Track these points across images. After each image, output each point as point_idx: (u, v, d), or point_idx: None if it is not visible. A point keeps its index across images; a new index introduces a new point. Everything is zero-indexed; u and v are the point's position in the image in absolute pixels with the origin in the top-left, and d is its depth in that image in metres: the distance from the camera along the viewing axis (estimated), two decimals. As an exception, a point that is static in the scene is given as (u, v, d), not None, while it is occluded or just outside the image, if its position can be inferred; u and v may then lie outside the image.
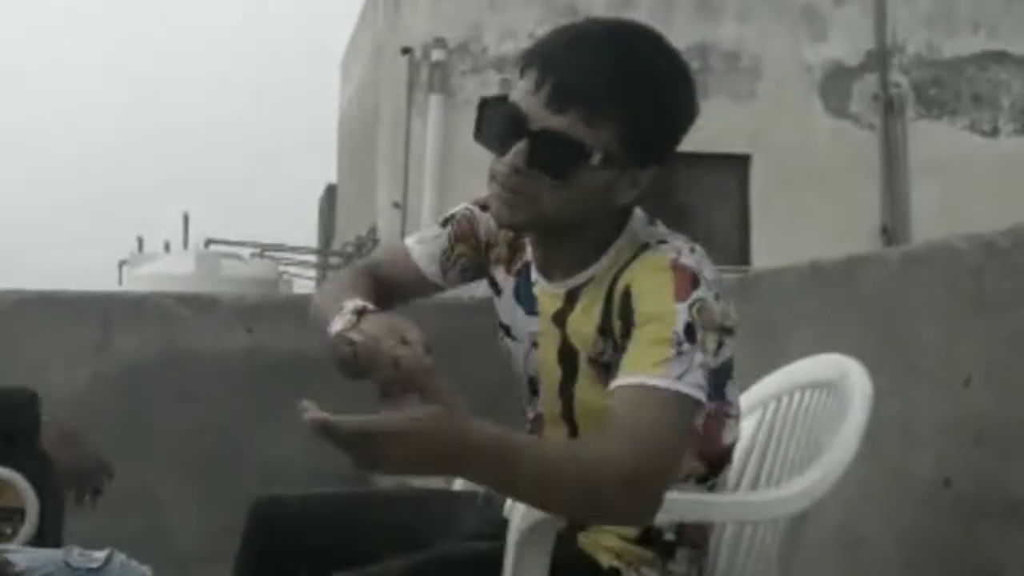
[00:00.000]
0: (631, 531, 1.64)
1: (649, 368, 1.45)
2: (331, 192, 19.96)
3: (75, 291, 4.25)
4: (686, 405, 1.45)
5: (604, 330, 1.58)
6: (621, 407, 1.44)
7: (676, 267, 1.54)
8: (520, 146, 1.51)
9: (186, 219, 16.48)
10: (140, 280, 13.18)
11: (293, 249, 17.01)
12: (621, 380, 1.46)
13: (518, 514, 1.55)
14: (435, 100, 11.28)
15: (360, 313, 1.57)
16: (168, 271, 13.41)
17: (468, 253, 1.80)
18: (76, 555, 1.87)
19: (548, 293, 1.67)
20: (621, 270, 1.58)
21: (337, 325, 1.57)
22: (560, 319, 1.64)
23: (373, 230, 14.11)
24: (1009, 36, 12.50)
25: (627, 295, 1.54)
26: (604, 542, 1.65)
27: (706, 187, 11.88)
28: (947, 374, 2.17)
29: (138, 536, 3.58)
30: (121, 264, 15.56)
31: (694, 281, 1.53)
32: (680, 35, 12.09)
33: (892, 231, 11.89)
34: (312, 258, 17.70)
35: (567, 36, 1.56)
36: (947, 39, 12.47)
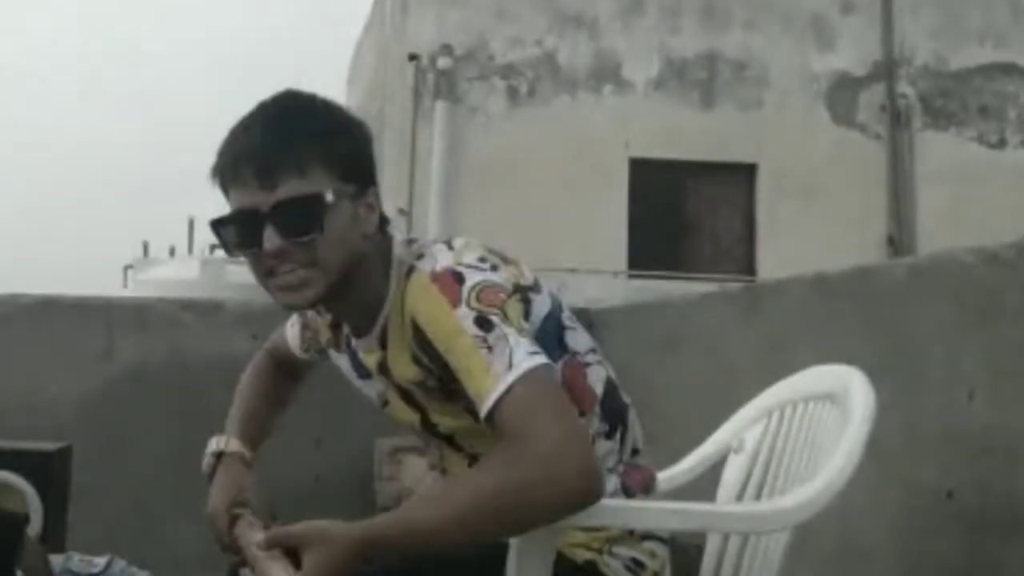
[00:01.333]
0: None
1: (485, 385, 1.47)
2: (337, 198, 19.96)
3: (78, 296, 4.25)
4: (536, 376, 1.46)
5: (418, 360, 1.62)
6: (499, 430, 1.46)
7: (436, 278, 1.57)
8: (268, 231, 1.56)
9: (191, 224, 16.49)
10: (145, 285, 13.19)
11: (298, 255, 16.97)
12: (482, 413, 1.47)
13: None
14: (441, 107, 11.29)
15: (218, 456, 1.84)
16: (173, 276, 13.42)
17: (314, 339, 1.96)
18: (77, 560, 1.87)
19: (366, 350, 1.73)
20: (404, 300, 1.62)
21: (203, 463, 1.84)
22: (383, 368, 1.70)
23: (379, 237, 14.12)
24: (1016, 47, 12.49)
25: (417, 328, 1.58)
26: (571, 540, 1.68)
27: (712, 197, 11.87)
28: (951, 386, 2.17)
29: (139, 542, 3.59)
30: (126, 269, 15.57)
31: (457, 278, 1.56)
32: (687, 44, 12.13)
33: (898, 242, 11.87)
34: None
35: (235, 134, 1.63)
36: (954, 50, 12.47)
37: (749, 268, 11.66)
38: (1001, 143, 12.48)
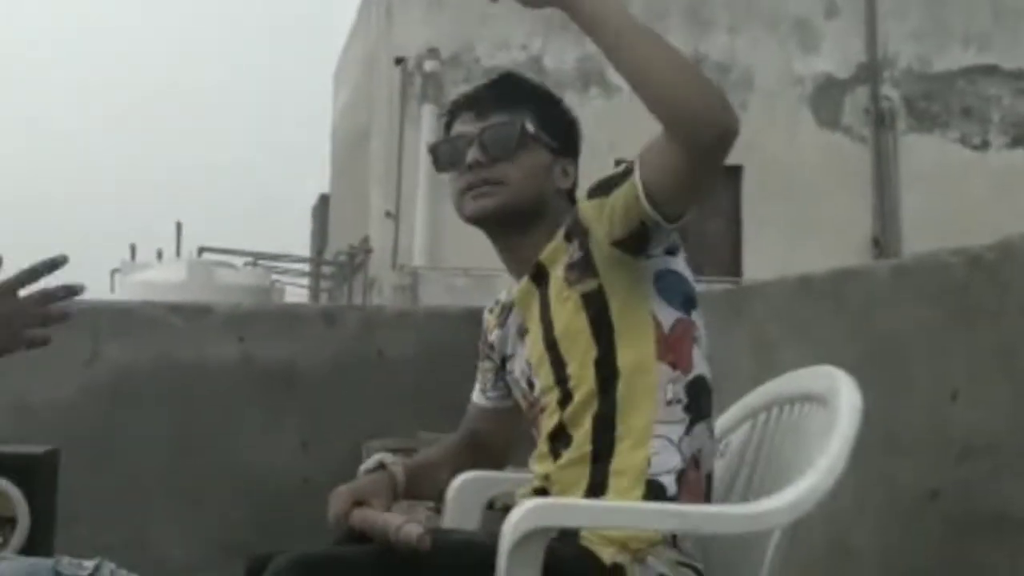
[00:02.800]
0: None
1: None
2: (324, 201, 19.96)
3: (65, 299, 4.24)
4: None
5: (568, 236, 1.81)
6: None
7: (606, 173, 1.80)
8: (472, 149, 1.87)
9: (179, 227, 16.46)
10: (132, 288, 13.16)
11: (286, 258, 17.00)
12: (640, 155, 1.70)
13: (509, 524, 1.55)
14: (428, 110, 11.30)
15: (380, 464, 1.93)
16: (160, 279, 13.38)
17: (488, 367, 2.05)
18: (66, 564, 1.87)
19: (524, 290, 1.88)
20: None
21: (365, 464, 1.96)
22: (539, 275, 1.85)
23: (366, 239, 14.11)
24: (999, 50, 12.56)
25: (576, 217, 1.80)
26: (609, 534, 1.67)
27: (697, 199, 11.90)
28: (935, 387, 2.18)
29: (127, 545, 3.58)
30: (113, 272, 15.53)
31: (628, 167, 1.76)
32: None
33: (883, 243, 11.93)
34: (305, 267, 17.69)
35: (469, 90, 1.99)
36: (938, 53, 12.54)
37: (735, 270, 11.70)
38: (984, 145, 12.56)
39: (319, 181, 20.33)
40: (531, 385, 1.88)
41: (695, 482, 1.75)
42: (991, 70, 12.57)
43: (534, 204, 1.86)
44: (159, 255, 15.78)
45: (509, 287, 1.98)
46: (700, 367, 1.80)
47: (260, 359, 4.13)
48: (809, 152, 11.99)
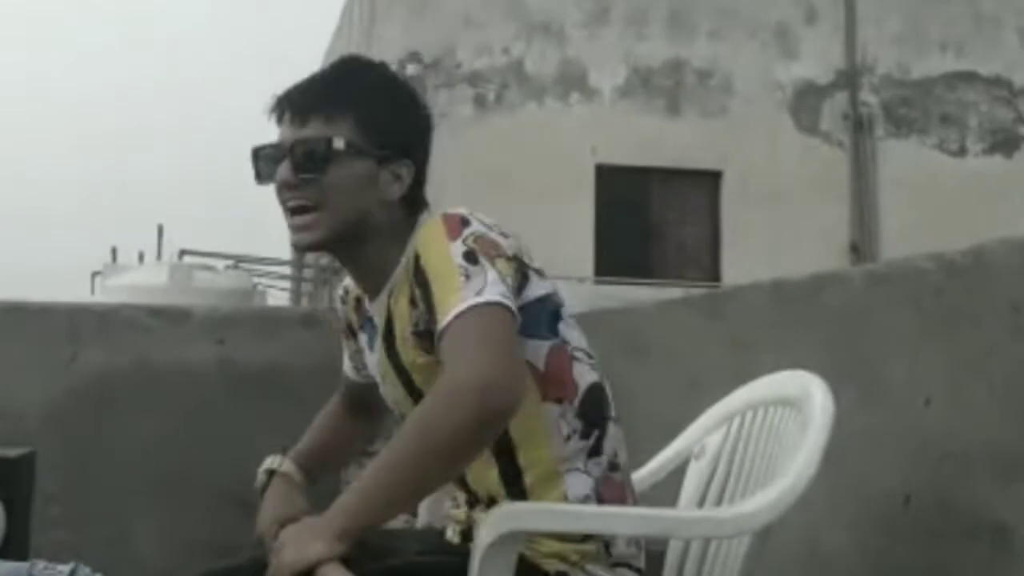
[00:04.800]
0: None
1: (449, 302, 1.55)
2: (304, 204, 19.89)
3: (43, 302, 4.22)
4: (494, 312, 1.54)
5: (413, 300, 1.68)
6: (444, 347, 1.54)
7: (445, 217, 1.68)
8: (283, 165, 1.73)
9: (160, 230, 16.41)
10: (113, 291, 13.11)
11: (267, 261, 16.96)
12: (438, 327, 1.55)
13: (484, 528, 1.56)
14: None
15: (270, 474, 1.97)
16: (141, 282, 13.34)
17: (356, 348, 1.98)
18: (41, 568, 1.87)
19: (377, 311, 1.81)
20: (414, 243, 1.72)
21: (256, 480, 1.99)
22: (388, 324, 1.77)
23: (346, 243, 14.07)
24: (977, 56, 12.65)
25: (417, 262, 1.66)
26: (544, 549, 1.68)
27: (677, 203, 11.94)
28: (909, 392, 2.20)
29: (104, 549, 3.57)
30: (94, 275, 15.46)
31: (463, 221, 1.66)
32: (652, 52, 12.20)
33: (861, 248, 11.99)
34: (286, 270, 17.65)
35: (295, 82, 1.81)
36: (916, 59, 12.62)
37: (714, 274, 11.74)
38: (962, 151, 12.64)
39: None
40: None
41: (616, 487, 1.75)
42: (969, 76, 12.66)
43: (356, 226, 1.73)
44: (140, 258, 15.73)
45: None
46: (584, 379, 1.75)
47: (240, 362, 4.12)
48: (788, 157, 12.05)
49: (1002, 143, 12.68)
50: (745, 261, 11.04)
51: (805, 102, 12.38)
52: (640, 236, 11.63)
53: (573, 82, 11.92)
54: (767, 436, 1.91)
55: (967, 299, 2.10)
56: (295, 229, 1.74)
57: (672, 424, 2.20)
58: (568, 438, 1.70)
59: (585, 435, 1.72)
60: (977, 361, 2.05)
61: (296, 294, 17.48)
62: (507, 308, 1.55)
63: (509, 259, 1.64)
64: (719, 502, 1.93)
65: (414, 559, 1.75)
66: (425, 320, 1.64)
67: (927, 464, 2.14)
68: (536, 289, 1.71)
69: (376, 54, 12.45)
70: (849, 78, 12.46)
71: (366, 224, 1.74)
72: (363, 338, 1.90)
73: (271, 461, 1.96)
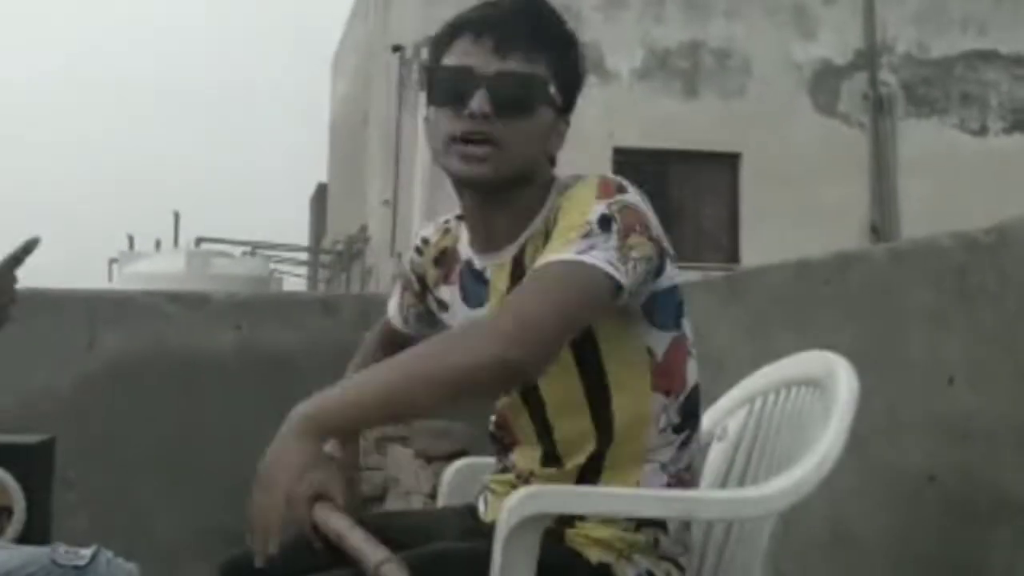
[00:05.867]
0: (621, 519, 1.65)
1: (554, 250, 1.49)
2: (322, 190, 19.95)
3: (61, 289, 4.24)
4: (589, 274, 1.46)
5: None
6: (521, 284, 1.49)
7: (602, 179, 1.60)
8: (480, 94, 1.58)
9: (177, 217, 16.47)
10: (130, 278, 13.16)
11: (284, 247, 17.01)
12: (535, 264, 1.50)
13: (506, 511, 1.55)
14: (425, 98, 11.26)
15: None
16: (158, 269, 13.40)
17: (413, 302, 1.92)
18: (63, 552, 1.87)
19: (497, 266, 1.71)
20: (558, 203, 1.63)
21: None
22: (517, 277, 1.66)
23: (364, 228, 14.10)
24: (998, 35, 12.54)
25: (555, 218, 1.59)
26: (594, 534, 1.65)
27: (696, 185, 11.90)
28: (932, 371, 2.18)
29: (125, 534, 3.59)
30: (111, 262, 15.53)
31: (619, 187, 1.57)
32: (670, 33, 12.13)
33: (881, 229, 11.93)
34: (303, 256, 17.69)
35: (482, 5, 1.69)
36: (936, 38, 12.52)
37: (733, 256, 11.70)
38: (983, 130, 12.54)
39: (317, 170, 20.33)
40: None
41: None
42: (990, 55, 12.56)
43: (526, 173, 1.65)
44: (157, 245, 15.79)
45: (441, 226, 1.85)
46: (692, 378, 1.72)
47: (257, 347, 4.13)
48: (807, 138, 11.98)
49: (1023, 122, 12.58)
50: (764, 243, 10.99)
51: (824, 82, 12.30)
52: (658, 218, 11.59)
53: (590, 65, 11.76)
54: (790, 417, 1.89)
55: (990, 277, 2.08)
56: (468, 159, 1.60)
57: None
58: (663, 430, 1.68)
59: (677, 430, 1.69)
60: (1000, 339, 2.04)
61: (313, 280, 17.52)
62: (609, 277, 1.47)
63: (652, 239, 1.57)
64: (742, 483, 1.92)
65: (456, 544, 1.71)
66: None
67: (951, 443, 2.12)
68: (670, 278, 1.65)
69: (392, 39, 12.42)
70: (868, 58, 12.37)
71: (531, 173, 1.66)
72: (449, 292, 1.81)
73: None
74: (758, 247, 11.18)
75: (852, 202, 11.99)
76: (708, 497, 1.78)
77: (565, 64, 1.66)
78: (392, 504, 4.01)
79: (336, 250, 16.00)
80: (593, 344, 1.62)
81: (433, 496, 2.24)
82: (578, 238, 1.48)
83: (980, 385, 2.08)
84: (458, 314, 1.78)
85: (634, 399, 1.65)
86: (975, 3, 12.52)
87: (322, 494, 1.55)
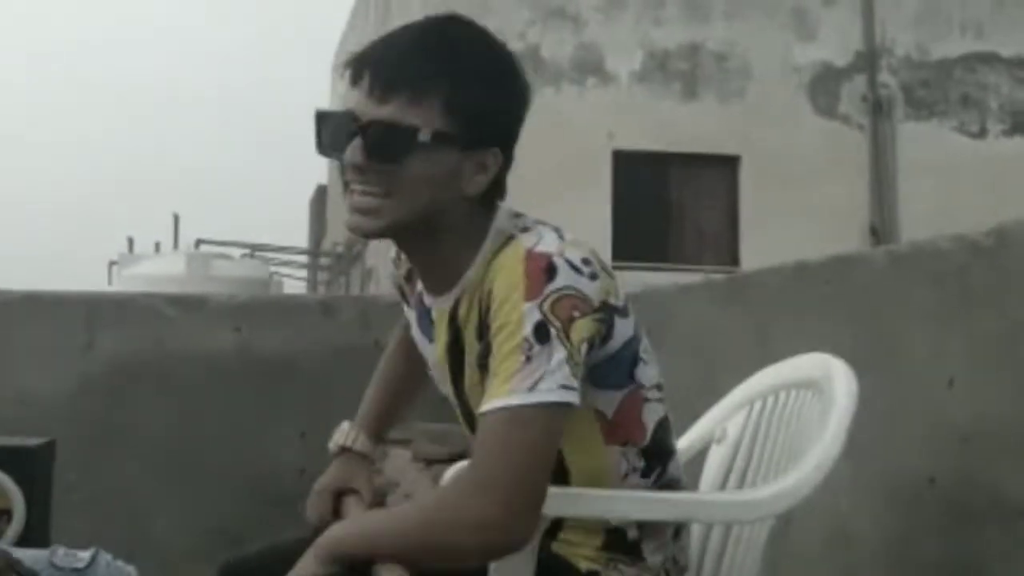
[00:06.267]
0: (598, 540, 1.65)
1: (499, 390, 1.43)
2: (321, 193, 19.95)
3: (60, 291, 4.23)
4: (538, 417, 1.42)
5: (481, 334, 1.55)
6: (478, 439, 1.45)
7: (530, 258, 1.48)
8: (355, 143, 1.51)
9: (176, 219, 16.47)
10: (130, 280, 13.17)
11: (284, 249, 17.02)
12: (481, 408, 1.45)
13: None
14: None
15: (343, 449, 1.88)
16: (158, 271, 13.40)
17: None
18: (62, 555, 1.87)
19: (440, 311, 1.66)
20: (491, 265, 1.54)
21: (330, 445, 1.90)
22: (455, 336, 1.63)
23: (363, 230, 14.07)
24: (997, 38, 12.55)
25: (490, 296, 1.51)
26: (577, 552, 1.66)
27: (696, 187, 11.90)
28: (932, 373, 2.18)
29: (124, 536, 3.58)
30: (111, 264, 15.54)
31: (549, 270, 1.47)
32: (669, 36, 12.14)
33: (881, 231, 11.93)
34: (303, 258, 17.69)
35: (383, 37, 1.58)
36: (936, 41, 12.52)
37: (733, 258, 11.69)
38: (982, 132, 12.55)
39: (317, 172, 20.31)
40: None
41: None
42: (989, 57, 12.56)
43: (427, 220, 1.54)
44: (157, 247, 15.79)
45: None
46: (653, 418, 1.65)
47: (257, 350, 4.12)
48: (807, 141, 11.98)
49: (1023, 124, 12.59)
50: (764, 245, 10.99)
51: (823, 85, 12.30)
52: (658, 221, 11.60)
53: (590, 67, 11.88)
54: (789, 419, 1.89)
55: (989, 280, 2.08)
56: (355, 211, 1.53)
57: (692, 408, 2.19)
58: (626, 476, 1.64)
59: (645, 474, 1.66)
60: (1000, 341, 2.04)
61: (312, 282, 17.53)
62: (558, 406, 1.42)
63: (595, 313, 1.49)
64: (741, 486, 1.92)
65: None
66: (486, 359, 1.51)
67: (951, 445, 2.12)
68: (621, 335, 1.57)
69: (391, 41, 12.39)
70: (868, 60, 12.37)
71: (440, 219, 1.55)
72: (412, 315, 1.77)
73: (344, 435, 1.88)
74: (758, 249, 11.18)
75: (852, 204, 11.99)
76: (707, 500, 1.78)
77: (471, 95, 1.51)
78: (392, 507, 4.01)
79: (336, 252, 16.00)
80: None
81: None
82: (521, 366, 1.42)
83: (980, 388, 2.08)
84: (418, 339, 1.77)
85: (587, 455, 1.61)
86: (974, 6, 12.53)
87: (348, 488, 1.58)
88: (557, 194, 10.72)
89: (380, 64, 1.52)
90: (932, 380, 2.18)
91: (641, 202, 11.56)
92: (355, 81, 1.53)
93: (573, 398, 1.44)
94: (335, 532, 1.49)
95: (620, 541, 1.66)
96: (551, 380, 1.42)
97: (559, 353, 1.43)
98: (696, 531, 1.90)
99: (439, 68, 1.51)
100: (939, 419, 2.17)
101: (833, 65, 12.35)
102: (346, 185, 1.55)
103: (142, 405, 4.05)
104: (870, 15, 12.39)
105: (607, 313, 1.53)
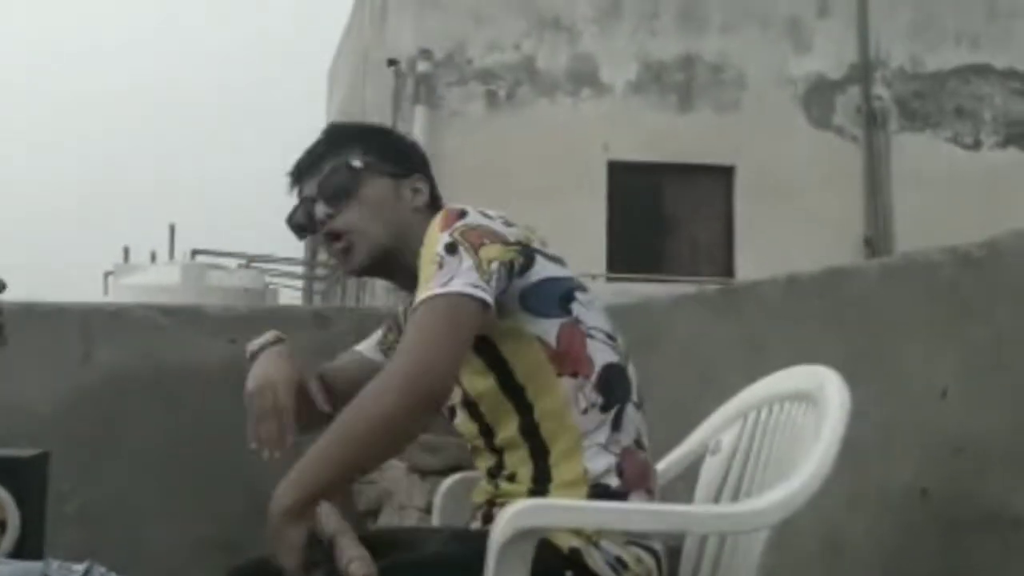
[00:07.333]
0: (583, 493, 1.73)
1: (420, 293, 1.65)
2: (317, 203, 19.90)
3: (56, 302, 4.24)
4: (451, 302, 1.62)
5: None
6: (403, 334, 1.69)
7: (445, 210, 1.76)
8: (318, 206, 1.89)
9: (172, 229, 16.45)
10: (126, 291, 13.14)
11: (280, 260, 16.98)
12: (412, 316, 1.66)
13: (499, 526, 1.56)
14: (420, 111, 11.28)
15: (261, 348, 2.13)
16: (154, 282, 13.37)
17: (395, 342, 2.07)
18: (56, 568, 1.87)
19: None
20: None
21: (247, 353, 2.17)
22: None
23: (358, 241, 14.07)
24: (991, 49, 12.58)
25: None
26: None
27: (690, 199, 11.91)
28: (925, 385, 2.19)
29: (117, 547, 3.58)
30: (106, 275, 15.50)
31: (460, 214, 1.73)
32: (664, 47, 12.16)
33: (875, 243, 11.94)
34: (299, 269, 17.67)
35: (300, 156, 1.99)
36: (930, 52, 12.55)
37: (728, 270, 11.70)
38: (976, 144, 12.57)
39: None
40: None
41: (639, 463, 1.79)
42: (983, 69, 12.59)
43: (395, 239, 1.87)
44: (152, 257, 15.76)
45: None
46: (600, 357, 1.79)
47: (252, 361, 4.12)
48: (801, 152, 12.00)
49: (1017, 136, 12.61)
50: (758, 256, 10.99)
51: (818, 96, 12.32)
52: (653, 232, 11.60)
53: (584, 78, 11.89)
54: (783, 431, 1.90)
55: (982, 292, 2.09)
56: (337, 256, 1.89)
57: (686, 420, 2.19)
58: (586, 411, 1.75)
59: (604, 408, 1.76)
60: (993, 353, 2.04)
61: (308, 293, 17.52)
62: (470, 297, 1.62)
63: (507, 244, 1.71)
64: (735, 497, 1.92)
65: (436, 550, 1.76)
66: None
67: (944, 457, 2.13)
68: (545, 271, 1.77)
69: (387, 51, 12.40)
70: (862, 72, 12.40)
71: (405, 237, 1.85)
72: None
73: (263, 339, 2.10)
74: (752, 260, 11.19)
75: (847, 215, 12.00)
76: (702, 512, 1.79)
77: (375, 143, 1.94)
78: (387, 518, 4.01)
79: (331, 263, 15.99)
80: (493, 346, 1.76)
81: (429, 511, 2.25)
82: (435, 273, 1.64)
83: (973, 399, 2.08)
84: None
85: (545, 386, 1.75)
86: (969, 17, 12.56)
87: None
88: (552, 204, 10.73)
89: (303, 159, 1.95)
90: (925, 392, 2.18)
91: (636, 213, 11.57)
92: (294, 183, 1.95)
93: (481, 294, 1.63)
94: (277, 494, 1.63)
95: (604, 495, 1.73)
96: (460, 280, 1.63)
97: (467, 262, 1.65)
98: (691, 542, 1.91)
99: (348, 137, 1.96)
100: (932, 430, 2.17)
101: (828, 77, 12.37)
102: (331, 251, 1.90)
103: (137, 416, 4.05)
104: (864, 27, 12.43)
105: (524, 248, 1.75)
